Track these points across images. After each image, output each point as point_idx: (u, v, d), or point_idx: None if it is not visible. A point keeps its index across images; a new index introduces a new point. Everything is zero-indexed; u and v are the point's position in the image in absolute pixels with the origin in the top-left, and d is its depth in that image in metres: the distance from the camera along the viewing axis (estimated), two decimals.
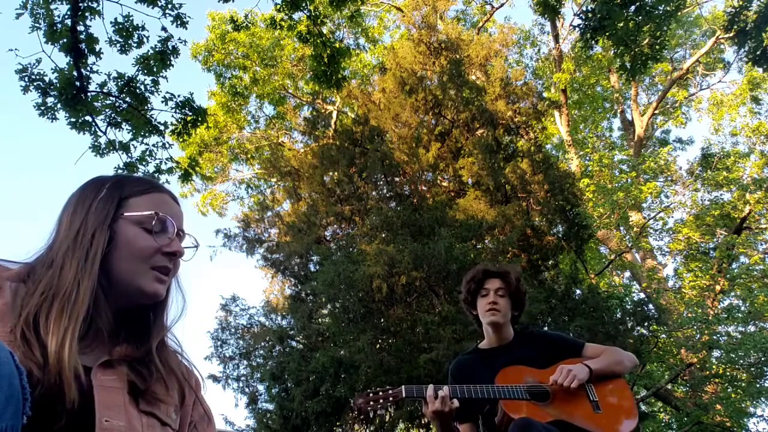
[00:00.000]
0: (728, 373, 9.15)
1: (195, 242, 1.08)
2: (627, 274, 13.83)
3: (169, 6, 5.65)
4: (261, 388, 8.49)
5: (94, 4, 5.38)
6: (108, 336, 0.96)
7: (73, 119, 5.59)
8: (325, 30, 6.62)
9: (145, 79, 5.80)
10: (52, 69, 5.39)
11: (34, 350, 0.82)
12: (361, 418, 7.78)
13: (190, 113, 6.09)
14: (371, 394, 2.17)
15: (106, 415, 0.85)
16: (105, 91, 5.67)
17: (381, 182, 9.43)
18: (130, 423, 0.88)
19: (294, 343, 8.69)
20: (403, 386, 2.14)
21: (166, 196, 1.06)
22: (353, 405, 2.19)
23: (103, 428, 0.84)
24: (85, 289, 0.90)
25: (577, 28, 5.83)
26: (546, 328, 6.89)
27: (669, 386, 9.79)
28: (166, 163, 6.18)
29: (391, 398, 2.14)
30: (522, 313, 2.55)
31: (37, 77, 5.41)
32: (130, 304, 0.99)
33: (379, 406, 2.14)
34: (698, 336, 8.94)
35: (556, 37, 14.88)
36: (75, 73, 5.43)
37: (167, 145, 6.19)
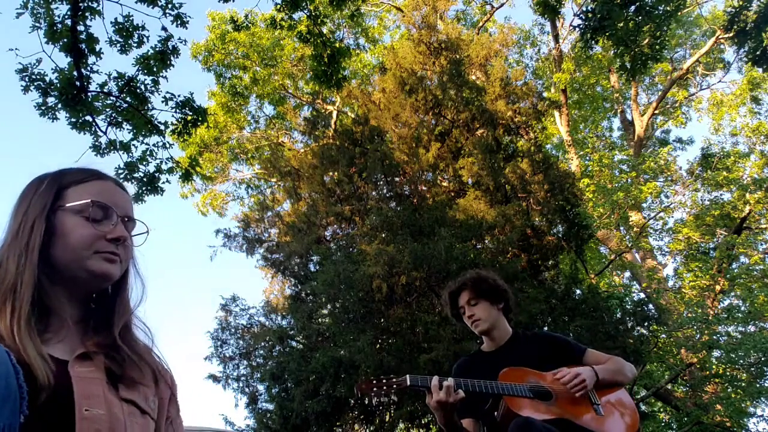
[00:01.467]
0: (728, 373, 9.15)
1: (145, 227, 1.09)
2: (627, 274, 13.84)
3: (169, 6, 5.65)
4: (261, 388, 8.49)
5: (94, 4, 5.38)
6: (76, 326, 0.97)
7: (73, 119, 5.59)
8: (325, 30, 6.62)
9: (145, 79, 5.80)
10: (52, 69, 5.40)
11: None
12: (361, 418, 7.78)
13: (190, 113, 6.09)
14: (375, 381, 2.16)
15: (85, 404, 0.86)
16: (105, 91, 5.67)
17: (381, 182, 9.43)
18: (111, 411, 0.88)
19: (294, 343, 8.69)
20: (407, 375, 2.12)
21: (108, 183, 1.06)
22: (356, 389, 2.16)
23: (83, 418, 0.84)
24: (27, 279, 0.91)
25: (577, 29, 5.83)
26: (546, 328, 6.89)
27: (669, 386, 9.79)
28: (166, 163, 6.18)
29: (395, 386, 2.12)
30: (509, 303, 2.52)
31: (38, 77, 5.41)
32: (88, 290, 1.00)
33: (382, 393, 2.12)
34: (698, 336, 8.94)
35: (556, 37, 14.88)
36: (75, 73, 5.43)
37: (167, 145, 6.20)
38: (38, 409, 0.80)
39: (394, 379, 2.14)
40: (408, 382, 2.10)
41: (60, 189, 1.01)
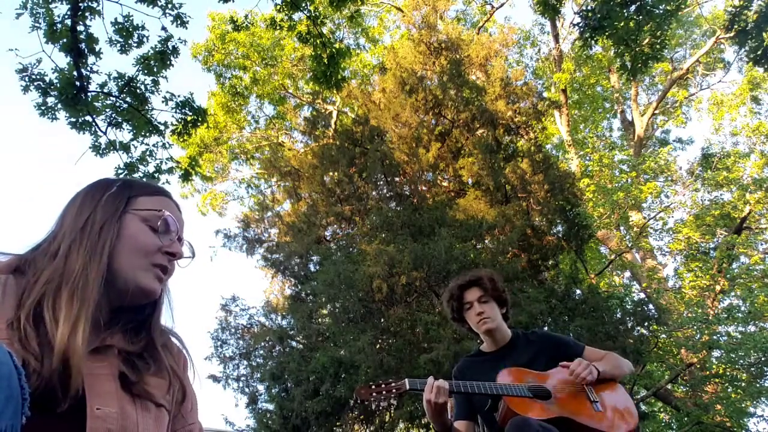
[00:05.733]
0: (728, 373, 9.15)
1: (192, 251, 1.11)
2: (627, 274, 13.82)
3: (169, 6, 5.65)
4: (261, 388, 8.48)
5: (94, 4, 5.38)
6: (104, 329, 0.97)
7: (73, 119, 5.59)
8: (325, 30, 6.62)
9: (145, 79, 5.80)
10: (52, 69, 5.39)
11: (30, 341, 0.82)
12: (361, 418, 7.78)
13: (190, 113, 6.09)
14: (374, 386, 2.18)
15: (97, 402, 0.85)
16: (105, 91, 5.67)
17: (381, 182, 9.42)
18: (123, 408, 0.88)
19: (294, 343, 8.68)
20: (406, 379, 2.15)
21: (172, 203, 1.10)
22: (355, 395, 2.20)
23: (95, 416, 0.84)
24: (94, 278, 0.92)
25: (577, 28, 5.83)
26: (546, 328, 6.89)
27: (669, 386, 9.79)
28: (166, 163, 6.17)
29: (394, 390, 2.14)
30: (509, 308, 2.56)
31: (38, 77, 5.41)
32: (128, 301, 1.00)
33: (382, 397, 2.15)
34: (698, 336, 8.94)
35: (556, 37, 14.88)
36: (75, 73, 5.42)
37: (167, 145, 6.19)
38: (51, 408, 0.80)
39: (393, 384, 2.16)
40: (407, 386, 2.12)
41: (131, 196, 1.04)
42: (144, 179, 6.01)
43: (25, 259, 0.95)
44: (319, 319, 8.64)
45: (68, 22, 5.28)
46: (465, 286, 2.49)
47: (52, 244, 0.96)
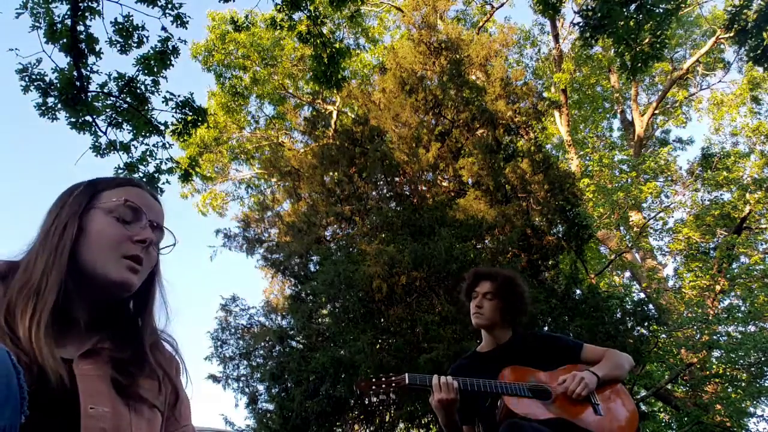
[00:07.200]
0: (728, 373, 9.15)
1: (174, 238, 1.09)
2: (627, 274, 13.84)
3: (169, 6, 5.65)
4: (261, 388, 8.48)
5: (94, 4, 5.38)
6: (88, 329, 0.97)
7: (73, 119, 5.59)
8: (325, 30, 6.61)
9: (145, 79, 5.80)
10: (52, 69, 5.40)
11: (20, 337, 0.85)
12: (362, 418, 7.77)
13: (190, 113, 6.09)
14: (374, 380, 2.19)
15: (90, 402, 0.86)
16: (105, 91, 5.67)
17: (381, 182, 9.42)
18: (116, 408, 0.88)
19: (294, 343, 8.68)
20: (406, 374, 2.15)
21: (141, 190, 1.07)
22: (355, 387, 2.19)
23: (88, 416, 0.84)
24: (53, 281, 0.92)
25: (577, 27, 5.83)
26: (546, 328, 6.89)
27: (669, 386, 9.79)
28: (166, 163, 6.18)
29: (393, 385, 2.14)
30: (520, 316, 2.53)
31: (38, 77, 5.41)
32: (106, 297, 1.00)
33: (381, 391, 2.15)
34: (698, 336, 8.95)
35: (556, 37, 14.88)
36: (75, 73, 5.42)
37: (167, 145, 6.20)
38: (44, 408, 0.81)
39: (393, 378, 2.16)
40: (407, 381, 2.12)
41: (95, 192, 1.03)
42: (144, 179, 6.01)
43: (10, 265, 0.97)
44: (319, 319, 8.64)
45: (68, 22, 5.28)
46: (482, 276, 2.50)
47: (28, 252, 0.98)
